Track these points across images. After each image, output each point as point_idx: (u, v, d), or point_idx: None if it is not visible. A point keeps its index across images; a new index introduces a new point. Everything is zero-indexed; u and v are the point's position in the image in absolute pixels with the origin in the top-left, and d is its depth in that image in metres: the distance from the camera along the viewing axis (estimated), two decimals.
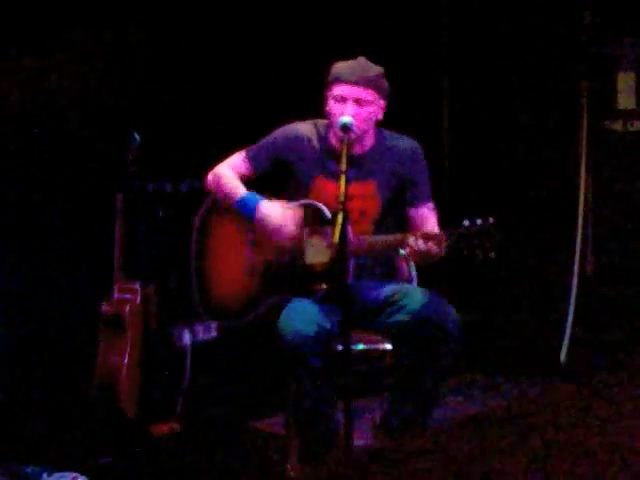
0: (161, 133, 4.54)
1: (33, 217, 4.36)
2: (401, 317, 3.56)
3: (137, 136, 4.10)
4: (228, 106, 4.78)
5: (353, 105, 3.59)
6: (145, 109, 4.53)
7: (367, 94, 3.61)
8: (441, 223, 3.68)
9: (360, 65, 3.66)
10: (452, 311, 3.55)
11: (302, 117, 3.79)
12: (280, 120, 3.80)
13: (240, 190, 3.70)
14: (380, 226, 3.70)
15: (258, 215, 3.64)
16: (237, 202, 3.69)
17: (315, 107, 3.74)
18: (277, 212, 3.64)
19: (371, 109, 3.63)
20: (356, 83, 3.60)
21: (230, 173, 3.74)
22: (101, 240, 4.33)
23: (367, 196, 3.68)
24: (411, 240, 3.43)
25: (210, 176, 3.78)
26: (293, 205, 3.67)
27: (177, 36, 4.67)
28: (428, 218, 3.70)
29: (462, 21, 5.32)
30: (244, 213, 3.68)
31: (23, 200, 4.34)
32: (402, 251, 3.72)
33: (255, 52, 4.84)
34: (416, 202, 3.72)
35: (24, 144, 4.32)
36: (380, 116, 3.69)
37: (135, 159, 4.10)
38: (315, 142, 3.71)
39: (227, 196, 3.72)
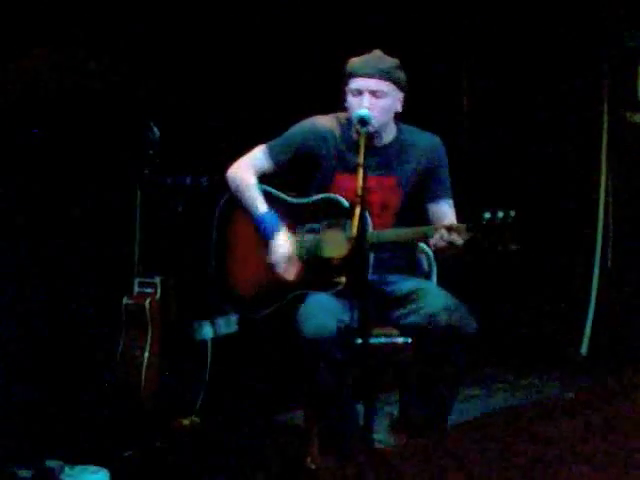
0: (181, 127, 4.55)
1: (53, 212, 4.37)
2: (417, 319, 3.54)
3: (157, 130, 4.11)
4: (249, 99, 4.78)
5: (369, 97, 3.57)
6: (165, 103, 4.53)
7: (382, 85, 3.59)
8: (461, 216, 3.65)
9: (374, 58, 3.65)
10: (469, 318, 3.51)
11: (321, 111, 3.78)
12: (300, 114, 3.78)
13: (259, 203, 3.69)
14: (402, 220, 3.67)
15: (271, 243, 3.64)
16: (255, 218, 3.69)
17: (335, 100, 3.72)
18: (283, 253, 3.62)
19: (388, 101, 3.61)
20: (371, 76, 3.58)
21: (249, 176, 3.72)
22: (121, 234, 4.35)
23: (388, 189, 3.66)
24: (435, 233, 3.41)
25: (230, 175, 3.76)
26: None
27: (198, 29, 4.67)
28: (447, 214, 3.67)
29: (483, 14, 5.30)
30: (260, 231, 3.68)
31: (43, 195, 4.35)
32: (424, 245, 3.72)
33: (275, 46, 4.83)
34: (436, 197, 3.69)
35: (44, 139, 4.34)
36: (399, 108, 3.67)
37: (155, 153, 4.11)
38: (337, 136, 3.69)
39: (245, 205, 3.73)
